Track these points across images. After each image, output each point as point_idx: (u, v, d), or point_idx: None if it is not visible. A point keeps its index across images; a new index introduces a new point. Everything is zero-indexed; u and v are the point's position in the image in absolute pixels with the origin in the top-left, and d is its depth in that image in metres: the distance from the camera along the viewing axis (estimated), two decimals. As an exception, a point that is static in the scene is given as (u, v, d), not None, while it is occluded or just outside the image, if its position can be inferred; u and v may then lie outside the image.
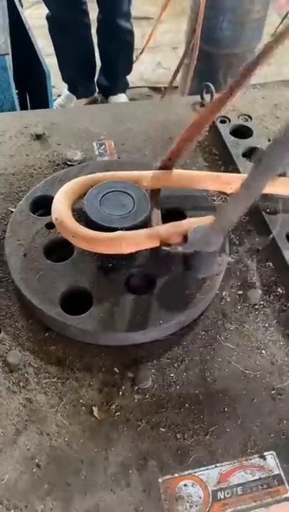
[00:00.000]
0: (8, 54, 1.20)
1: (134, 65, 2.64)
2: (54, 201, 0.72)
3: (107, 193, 0.74)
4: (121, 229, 0.69)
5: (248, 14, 1.88)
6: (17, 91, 1.82)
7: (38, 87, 1.70)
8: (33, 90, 1.81)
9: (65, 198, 0.73)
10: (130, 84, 2.63)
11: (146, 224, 0.73)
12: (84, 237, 0.68)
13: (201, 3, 1.71)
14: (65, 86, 2.43)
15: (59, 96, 2.46)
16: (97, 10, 2.19)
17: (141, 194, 0.74)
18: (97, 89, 2.53)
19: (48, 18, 2.14)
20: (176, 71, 2.06)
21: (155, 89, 2.79)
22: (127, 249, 0.68)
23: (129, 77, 2.57)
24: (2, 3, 1.37)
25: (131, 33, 2.26)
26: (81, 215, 0.75)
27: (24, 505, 0.56)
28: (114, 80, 2.44)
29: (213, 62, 2.00)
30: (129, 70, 2.44)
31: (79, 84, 2.41)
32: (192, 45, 1.86)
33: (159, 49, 2.95)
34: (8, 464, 0.58)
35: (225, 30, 1.93)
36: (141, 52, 2.31)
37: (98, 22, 2.24)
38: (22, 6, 1.84)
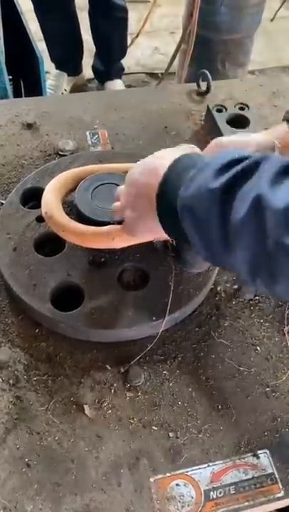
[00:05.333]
0: (-2, 38, 1.16)
1: (131, 50, 2.59)
2: (44, 194, 0.70)
3: (99, 186, 0.72)
4: (113, 223, 0.67)
5: (246, -1, 1.83)
6: (10, 77, 1.78)
7: (31, 72, 1.66)
8: (26, 76, 1.77)
9: (56, 191, 0.71)
10: (127, 70, 2.58)
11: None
12: (74, 232, 0.66)
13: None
14: (53, 66, 2.40)
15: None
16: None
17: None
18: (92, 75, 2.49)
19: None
20: (173, 57, 2.02)
21: (152, 75, 2.74)
22: (118, 244, 0.66)
23: (125, 63, 2.52)
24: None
25: (125, 10, 2.22)
26: (72, 208, 0.73)
27: (14, 506, 0.55)
28: (110, 63, 2.40)
29: (210, 47, 1.96)
30: (124, 52, 2.39)
31: (67, 62, 2.39)
32: (189, 31, 1.82)
33: (156, 34, 2.88)
34: (-2, 463, 0.58)
35: (223, 16, 1.87)
36: (137, 36, 2.26)
37: (91, 2, 2.20)
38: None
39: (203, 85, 1.05)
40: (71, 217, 0.69)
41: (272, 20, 2.72)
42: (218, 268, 0.72)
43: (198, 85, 1.06)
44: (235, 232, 0.41)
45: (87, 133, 0.95)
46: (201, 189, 0.44)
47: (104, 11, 2.20)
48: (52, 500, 0.55)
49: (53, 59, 2.38)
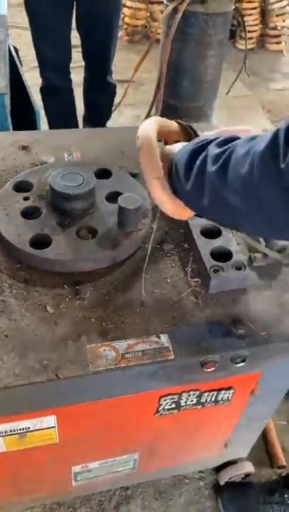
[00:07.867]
0: (6, 94, 1.58)
1: (117, 118, 3.11)
2: (142, 131, 1.01)
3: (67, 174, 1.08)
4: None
5: (203, 76, 2.34)
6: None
7: (30, 126, 2.11)
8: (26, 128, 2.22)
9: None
10: (112, 133, 3.12)
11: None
12: None
13: (162, 70, 2.18)
14: None
15: None
16: (83, 72, 2.70)
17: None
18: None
19: (41, 89, 2.63)
20: (145, 119, 2.50)
21: (134, 137, 3.27)
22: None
23: (110, 126, 3.06)
24: (4, 57, 1.76)
25: (115, 85, 2.77)
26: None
27: (-5, 357, 0.84)
28: (97, 125, 2.91)
29: (176, 113, 2.44)
30: (109, 117, 2.92)
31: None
32: (157, 99, 2.31)
33: (138, 106, 3.46)
34: (-13, 335, 0.88)
35: (185, 88, 2.38)
36: (118, 103, 2.76)
37: (87, 80, 2.74)
38: (21, 65, 2.29)
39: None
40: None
41: (227, 93, 3.21)
42: (146, 231, 1.06)
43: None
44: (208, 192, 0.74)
45: (65, 153, 1.33)
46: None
47: (99, 88, 2.76)
48: (19, 355, 0.85)
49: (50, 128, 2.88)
